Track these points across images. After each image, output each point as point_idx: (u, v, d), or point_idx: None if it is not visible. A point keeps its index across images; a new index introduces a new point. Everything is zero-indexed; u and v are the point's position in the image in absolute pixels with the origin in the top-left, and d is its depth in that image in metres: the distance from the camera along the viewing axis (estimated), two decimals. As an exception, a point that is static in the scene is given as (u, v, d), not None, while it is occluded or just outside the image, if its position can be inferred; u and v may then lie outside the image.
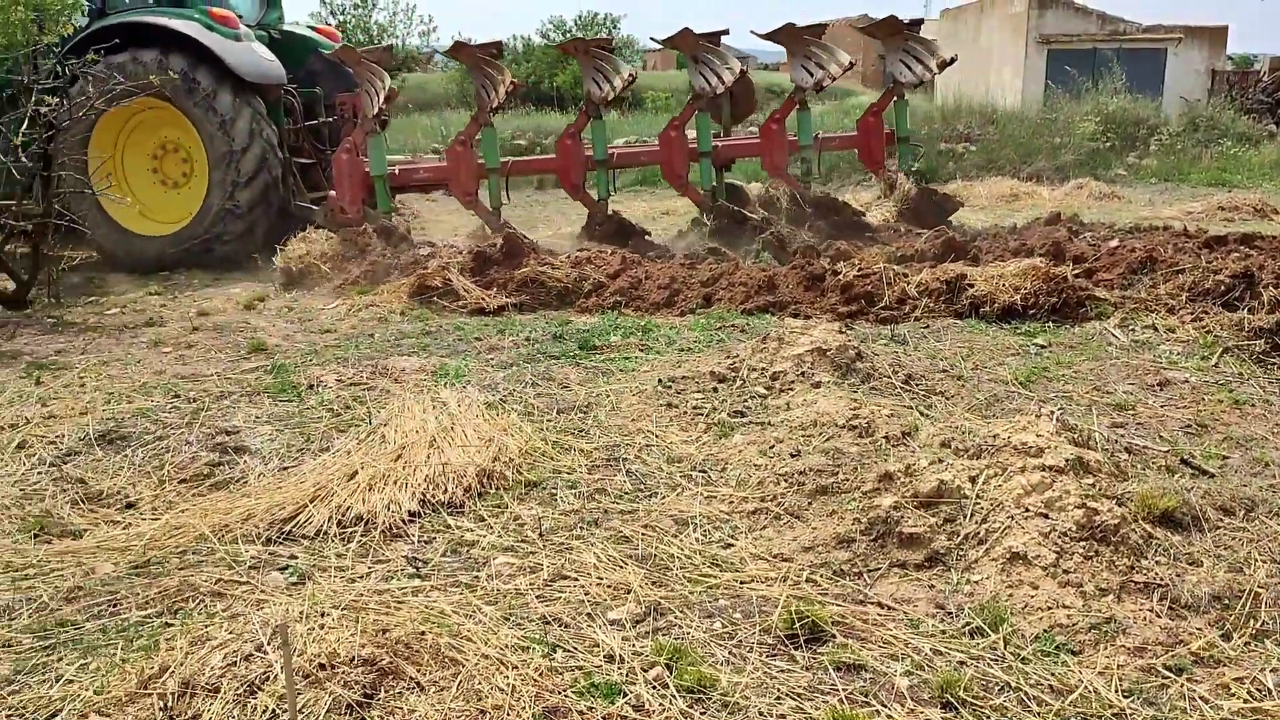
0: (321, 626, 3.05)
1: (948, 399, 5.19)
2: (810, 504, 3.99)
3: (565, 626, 3.25)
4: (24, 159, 7.78)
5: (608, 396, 5.43)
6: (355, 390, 5.66)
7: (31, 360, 6.75)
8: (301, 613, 3.15)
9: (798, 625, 3.15)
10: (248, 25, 10.87)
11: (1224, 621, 3.16)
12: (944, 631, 3.17)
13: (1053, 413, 4.20)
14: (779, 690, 2.89)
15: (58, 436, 5.03)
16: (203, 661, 2.87)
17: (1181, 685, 2.86)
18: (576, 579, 3.55)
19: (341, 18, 37.45)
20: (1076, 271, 7.17)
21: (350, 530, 3.97)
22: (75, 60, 8.87)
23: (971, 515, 3.63)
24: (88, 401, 5.62)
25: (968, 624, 3.19)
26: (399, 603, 3.35)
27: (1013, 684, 2.89)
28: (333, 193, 10.24)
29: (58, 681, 3.00)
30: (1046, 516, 3.50)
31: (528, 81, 34.89)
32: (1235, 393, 5.28)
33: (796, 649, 3.09)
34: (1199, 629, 3.12)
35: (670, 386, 5.37)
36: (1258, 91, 21.97)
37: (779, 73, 34.63)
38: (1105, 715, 2.75)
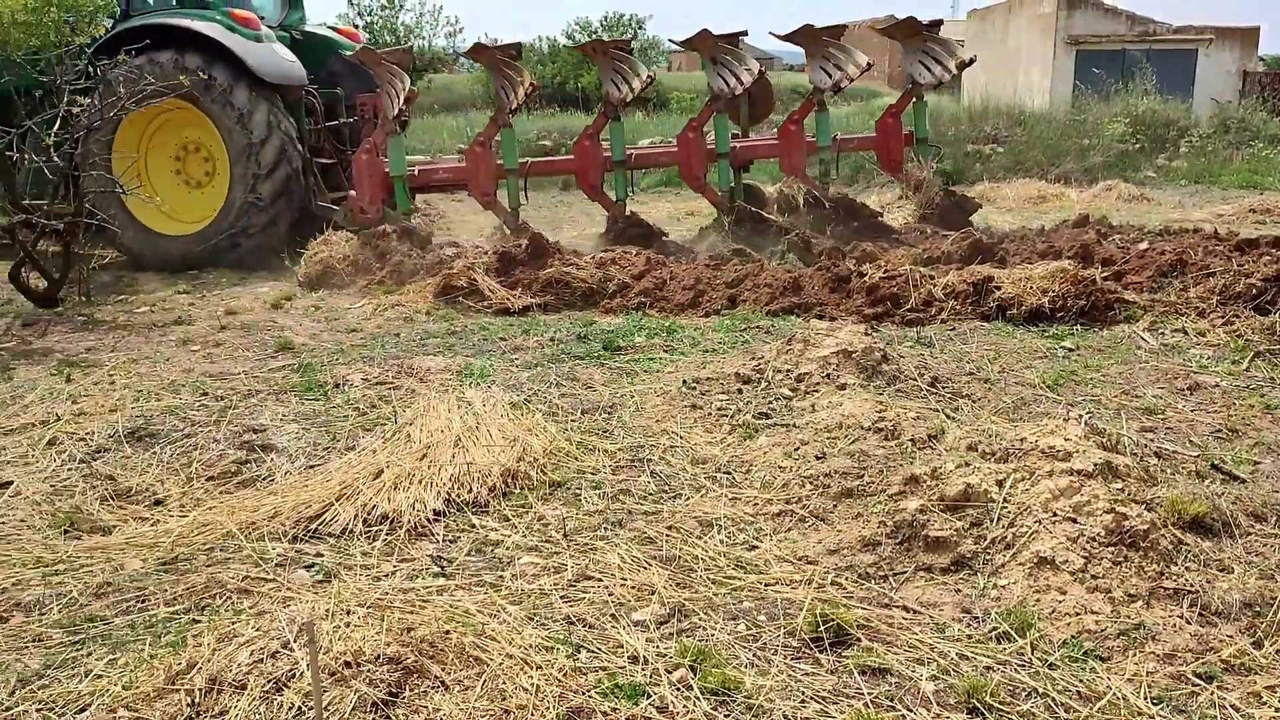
0: (347, 624, 3.07)
1: (974, 402, 5.16)
2: (835, 506, 3.98)
3: (589, 627, 3.25)
4: (56, 159, 7.87)
5: (632, 397, 5.43)
6: (381, 389, 5.68)
7: (62, 358, 6.84)
8: (327, 610, 3.16)
9: (822, 628, 3.14)
10: (269, 26, 10.96)
11: (1255, 629, 3.12)
12: (970, 636, 3.15)
13: (1081, 416, 4.16)
14: (803, 694, 2.88)
15: (88, 433, 5.09)
16: (230, 658, 2.89)
17: (1212, 693, 2.83)
18: (601, 580, 3.55)
19: (369, 18, 37.67)
20: (1105, 274, 7.08)
21: (376, 529, 3.99)
22: (106, 60, 8.97)
23: (998, 519, 3.61)
24: (117, 399, 5.69)
25: (994, 629, 3.17)
26: (424, 602, 3.36)
27: (1040, 690, 2.87)
28: (352, 193, 10.30)
29: (87, 676, 3.03)
30: (1075, 521, 3.47)
31: (553, 82, 35.04)
32: (1267, 397, 5.21)
33: (821, 652, 3.08)
34: (1229, 636, 3.08)
35: (695, 388, 5.36)
36: (1290, 93, 21.71)
37: (804, 74, 34.52)
38: (1134, 723, 2.73)
